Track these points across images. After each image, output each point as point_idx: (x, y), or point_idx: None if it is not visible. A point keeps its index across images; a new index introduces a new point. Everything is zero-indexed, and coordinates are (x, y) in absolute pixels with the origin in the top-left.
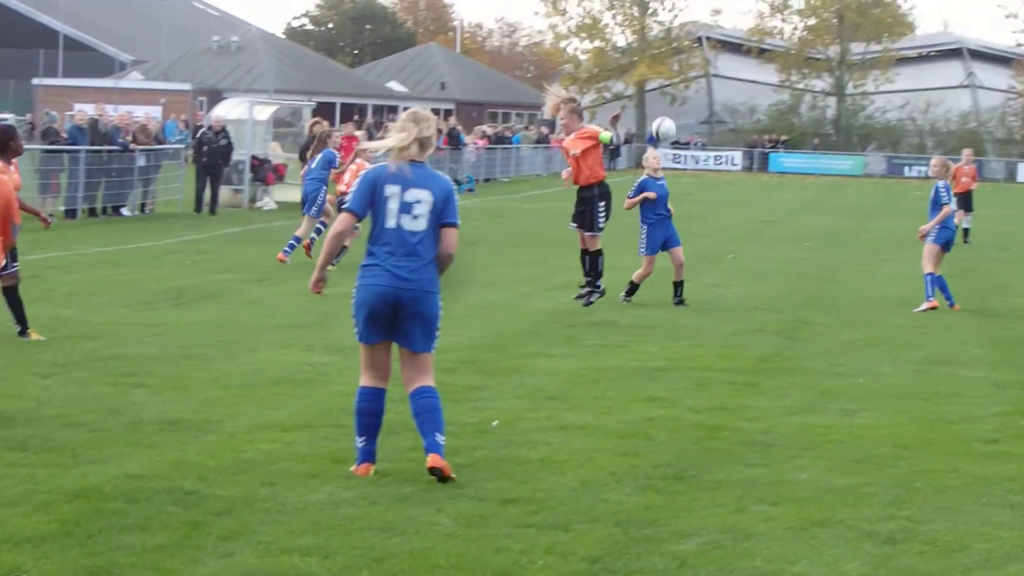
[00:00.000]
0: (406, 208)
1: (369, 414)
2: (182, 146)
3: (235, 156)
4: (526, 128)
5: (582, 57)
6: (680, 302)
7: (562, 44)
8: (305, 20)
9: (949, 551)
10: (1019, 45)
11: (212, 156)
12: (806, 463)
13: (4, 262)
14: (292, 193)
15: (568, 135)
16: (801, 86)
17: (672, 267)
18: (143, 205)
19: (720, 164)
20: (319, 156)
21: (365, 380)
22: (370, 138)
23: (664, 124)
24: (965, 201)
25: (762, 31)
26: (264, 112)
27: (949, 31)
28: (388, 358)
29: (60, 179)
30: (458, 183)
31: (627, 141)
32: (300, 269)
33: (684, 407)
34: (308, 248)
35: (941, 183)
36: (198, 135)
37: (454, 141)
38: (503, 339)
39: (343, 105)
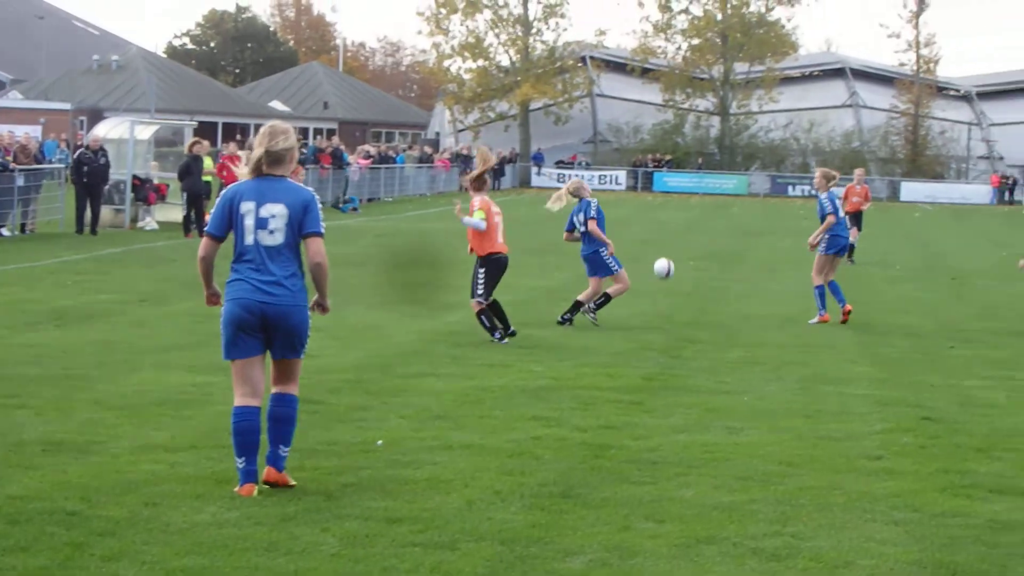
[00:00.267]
0: (262, 223)
1: (245, 433)
2: (62, 166)
3: (117, 176)
4: (409, 148)
5: (466, 76)
6: (567, 321)
7: (445, 63)
8: (186, 39)
9: (834, 567)
10: (901, 65)
11: (92, 176)
12: (692, 481)
13: None
14: (174, 213)
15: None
16: (685, 106)
17: (590, 287)
18: (23, 225)
19: (604, 183)
20: None
21: (238, 399)
22: None
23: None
24: (855, 220)
25: (646, 51)
26: (145, 132)
27: (832, 51)
28: (259, 374)
29: None
30: (345, 202)
31: (511, 160)
32: (183, 290)
33: (570, 426)
34: None
35: (824, 195)
36: (76, 155)
37: (337, 161)
38: (388, 359)
39: (225, 125)
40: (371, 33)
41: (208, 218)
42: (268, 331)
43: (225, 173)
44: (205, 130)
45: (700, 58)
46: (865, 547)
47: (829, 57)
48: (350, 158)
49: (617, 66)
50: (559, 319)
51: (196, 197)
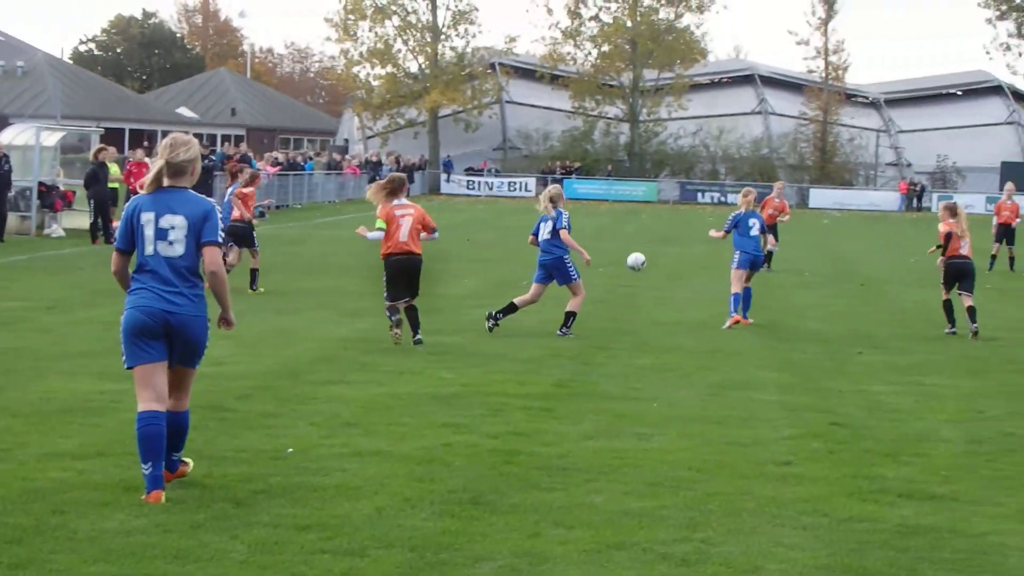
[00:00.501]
0: (161, 234)
1: (151, 438)
2: None
3: (23, 183)
4: (317, 154)
5: (374, 83)
6: (495, 321)
7: (354, 70)
8: (92, 45)
9: (743, 573)
10: (810, 72)
11: None
12: (602, 487)
13: None
14: (80, 220)
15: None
16: (595, 113)
17: (531, 292)
18: None
19: (514, 190)
20: (229, 189)
21: (143, 404)
22: None
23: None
24: (771, 230)
25: (555, 58)
26: (51, 138)
27: (741, 58)
28: (162, 380)
29: None
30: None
31: (420, 168)
32: (90, 297)
33: (480, 432)
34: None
35: (742, 212)
36: None
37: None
38: (297, 366)
39: (132, 131)
40: (279, 39)
41: (115, 225)
42: (169, 339)
43: (132, 180)
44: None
45: (610, 65)
46: (774, 552)
47: (738, 64)
48: (258, 165)
49: (526, 73)
50: (487, 318)
51: (103, 204)
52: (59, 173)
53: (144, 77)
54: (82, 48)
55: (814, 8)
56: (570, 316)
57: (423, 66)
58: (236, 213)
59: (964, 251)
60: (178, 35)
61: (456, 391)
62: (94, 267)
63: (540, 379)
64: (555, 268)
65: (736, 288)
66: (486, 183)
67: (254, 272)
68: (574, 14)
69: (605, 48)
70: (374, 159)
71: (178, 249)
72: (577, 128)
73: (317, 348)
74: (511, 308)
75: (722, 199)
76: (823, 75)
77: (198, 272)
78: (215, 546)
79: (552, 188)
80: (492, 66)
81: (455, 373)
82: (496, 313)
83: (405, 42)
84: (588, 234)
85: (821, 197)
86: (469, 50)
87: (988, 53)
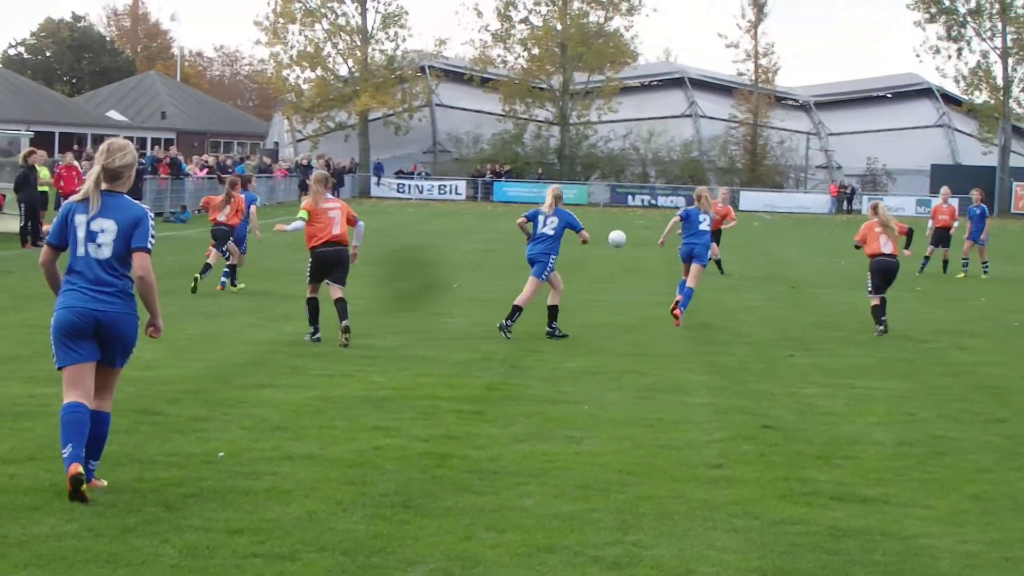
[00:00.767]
0: (91, 237)
1: (74, 424)
2: None
3: None
4: (247, 157)
5: (304, 86)
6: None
7: (284, 73)
8: (21, 48)
9: (675, 575)
10: (740, 74)
11: None
12: (533, 490)
13: None
14: (10, 224)
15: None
16: (525, 115)
17: (527, 288)
18: None
19: (444, 194)
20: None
21: (69, 398)
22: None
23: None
24: (715, 236)
25: (485, 60)
26: None
27: (671, 61)
28: (90, 380)
29: None
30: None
31: (350, 171)
32: (19, 301)
33: (411, 436)
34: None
35: (692, 208)
36: None
37: (176, 170)
38: (227, 370)
39: (62, 135)
40: (208, 42)
41: (45, 228)
42: (100, 338)
43: (62, 183)
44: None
45: (539, 68)
46: (706, 555)
47: (668, 67)
48: (188, 168)
49: (456, 76)
50: (500, 326)
51: (33, 208)
52: None
53: (74, 81)
54: (11, 52)
55: (744, 11)
56: (553, 309)
57: (353, 69)
58: (215, 215)
59: (886, 249)
60: (107, 38)
61: (387, 394)
62: (24, 271)
63: (470, 382)
64: (538, 263)
65: (684, 276)
66: (416, 186)
67: (233, 268)
68: (504, 17)
69: (535, 51)
70: (304, 162)
71: (105, 252)
72: (507, 131)
73: (247, 352)
74: (516, 310)
75: (652, 202)
76: (753, 78)
77: (128, 274)
78: (146, 550)
79: (556, 187)
80: (422, 69)
81: (385, 376)
82: (505, 322)
83: (335, 45)
84: (518, 237)
85: (751, 200)
86: (399, 53)
87: (918, 56)
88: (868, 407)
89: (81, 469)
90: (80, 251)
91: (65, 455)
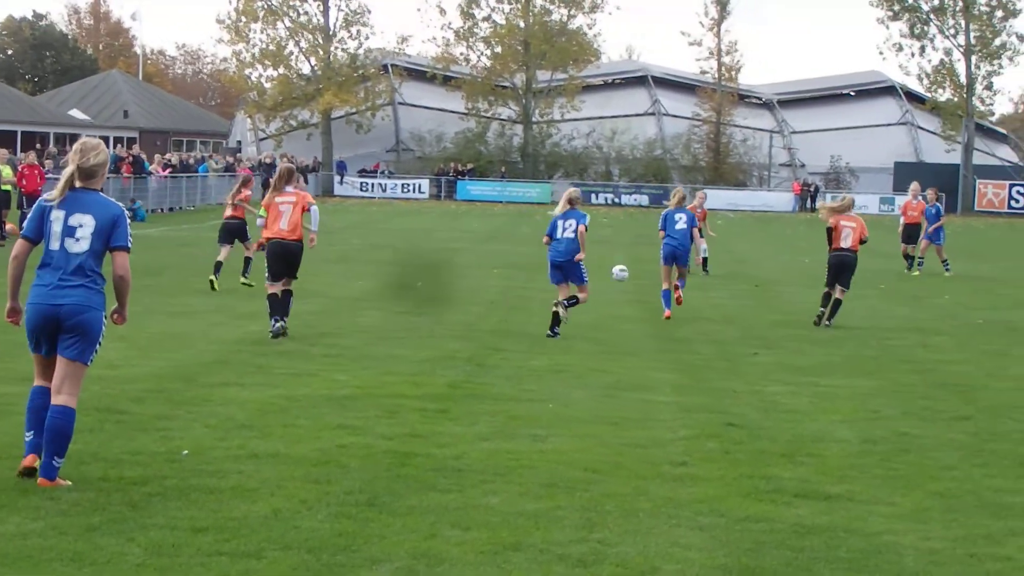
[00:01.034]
0: (69, 232)
1: (37, 410)
2: None
3: None
4: (210, 156)
5: (267, 85)
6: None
7: (246, 72)
8: None
9: (640, 573)
10: (703, 73)
11: None
12: (497, 488)
13: None
14: None
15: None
16: (488, 114)
17: (560, 294)
18: None
19: (408, 192)
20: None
21: (37, 381)
22: (56, 167)
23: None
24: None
25: (448, 59)
26: None
27: (634, 59)
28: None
29: None
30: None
31: (313, 170)
32: None
33: (375, 434)
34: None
35: (670, 209)
36: None
37: (138, 169)
38: (192, 368)
39: (24, 133)
40: (170, 40)
41: (9, 227)
42: (62, 330)
43: (24, 182)
44: (4, 139)
45: (503, 66)
46: (671, 552)
47: (631, 65)
48: (151, 167)
49: (419, 74)
50: (549, 333)
51: None
52: None
53: (37, 79)
54: None
55: (707, 9)
56: (574, 300)
57: (315, 68)
58: (229, 212)
59: (843, 244)
60: (69, 37)
61: (351, 393)
62: None
63: (434, 380)
64: (570, 269)
65: (665, 284)
66: (379, 185)
67: (247, 260)
68: (467, 15)
69: (498, 49)
70: (268, 161)
71: (83, 246)
72: (470, 129)
73: (212, 350)
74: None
75: (616, 200)
76: (716, 76)
77: (100, 272)
78: (111, 549)
79: (572, 190)
80: (385, 67)
81: (349, 375)
82: (555, 330)
83: (297, 43)
84: (482, 236)
85: (715, 198)
86: (361, 51)
87: (881, 53)
88: (832, 405)
89: (35, 464)
90: (54, 245)
91: (27, 439)
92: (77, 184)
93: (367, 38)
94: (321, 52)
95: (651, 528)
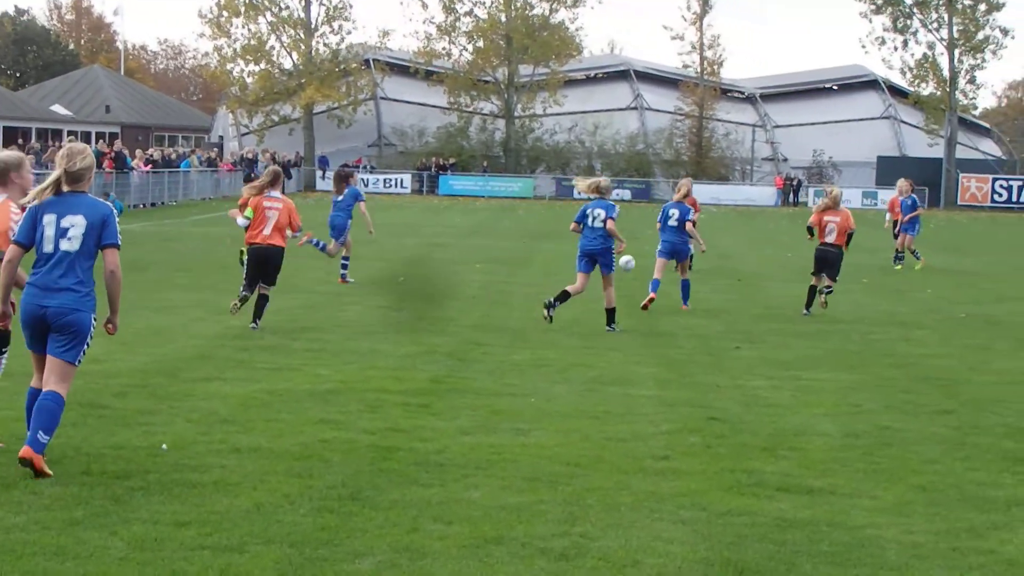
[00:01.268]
0: (62, 233)
1: (32, 410)
2: None
3: None
4: (193, 151)
5: (249, 80)
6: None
7: (228, 67)
8: None
9: (621, 566)
10: (686, 67)
11: None
12: (479, 482)
13: None
14: None
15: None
16: (470, 108)
17: (577, 282)
18: None
19: (389, 187)
20: (347, 191)
21: (34, 381)
22: (38, 163)
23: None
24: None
25: (430, 53)
26: None
27: (616, 53)
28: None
29: None
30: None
31: (295, 165)
32: None
33: (358, 429)
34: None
35: (667, 203)
36: None
37: (120, 164)
38: (174, 363)
39: (6, 128)
40: (152, 36)
41: None
42: (51, 329)
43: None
44: None
45: (485, 61)
46: (652, 546)
47: (613, 59)
48: (133, 162)
49: (401, 68)
50: (546, 312)
51: None
52: None
53: (18, 74)
54: None
55: (689, 3)
56: (611, 312)
57: (297, 62)
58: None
59: (827, 239)
60: (52, 32)
61: (333, 387)
62: None
63: (417, 375)
64: (601, 256)
65: (657, 274)
66: (362, 179)
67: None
68: (449, 9)
69: (480, 43)
70: (250, 156)
71: (75, 245)
72: (452, 124)
73: (194, 345)
74: (564, 296)
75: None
76: (698, 70)
77: (90, 274)
78: (94, 543)
79: (602, 179)
80: (367, 62)
81: (332, 369)
82: (553, 301)
83: (279, 38)
84: (464, 231)
85: (697, 192)
86: (343, 46)
87: (864, 47)
88: (814, 399)
89: (30, 455)
90: (48, 248)
91: (29, 434)
92: (64, 188)
93: (349, 33)
94: (303, 47)
95: (633, 522)
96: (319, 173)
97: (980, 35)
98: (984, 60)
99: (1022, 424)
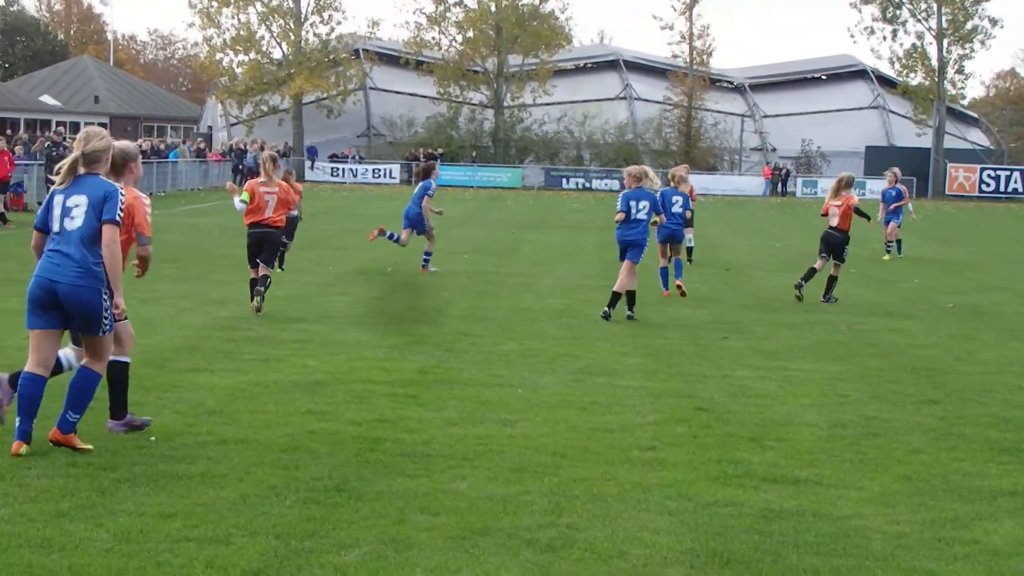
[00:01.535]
0: (67, 212)
1: (26, 397)
2: None
3: None
4: (184, 142)
5: (238, 70)
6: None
7: (217, 57)
8: None
9: (608, 557)
10: (675, 57)
11: None
12: (466, 473)
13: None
14: None
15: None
16: (459, 99)
17: (623, 273)
18: None
19: (378, 177)
20: (420, 184)
21: (28, 366)
22: (26, 154)
23: None
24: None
25: (419, 43)
26: None
27: (606, 43)
28: (50, 348)
29: None
30: None
31: (284, 155)
32: None
33: (344, 420)
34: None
35: (665, 189)
36: None
37: None
38: (162, 354)
39: None
40: (142, 26)
41: None
42: (64, 309)
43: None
44: None
45: (474, 51)
46: (639, 536)
47: (602, 49)
48: None
49: (390, 59)
50: (602, 314)
51: None
52: None
53: (7, 65)
54: None
55: None
56: (632, 295)
57: (287, 53)
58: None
59: (831, 223)
60: (41, 22)
61: (320, 378)
62: None
63: (404, 366)
64: (635, 247)
65: (662, 262)
66: (351, 170)
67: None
68: None
69: (470, 34)
70: (239, 147)
71: (77, 223)
72: (442, 114)
73: (181, 336)
74: (616, 297)
75: (587, 185)
76: (688, 60)
77: (97, 250)
78: (79, 535)
79: (647, 168)
80: (356, 52)
81: (319, 360)
82: (623, 309)
83: (268, 28)
84: (452, 221)
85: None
86: (333, 36)
87: (852, 37)
88: (801, 389)
89: (22, 449)
90: (55, 227)
91: (17, 425)
92: (81, 170)
93: (338, 23)
94: (292, 37)
95: (619, 512)
96: (308, 163)
97: (969, 25)
98: (973, 50)
99: (1007, 414)
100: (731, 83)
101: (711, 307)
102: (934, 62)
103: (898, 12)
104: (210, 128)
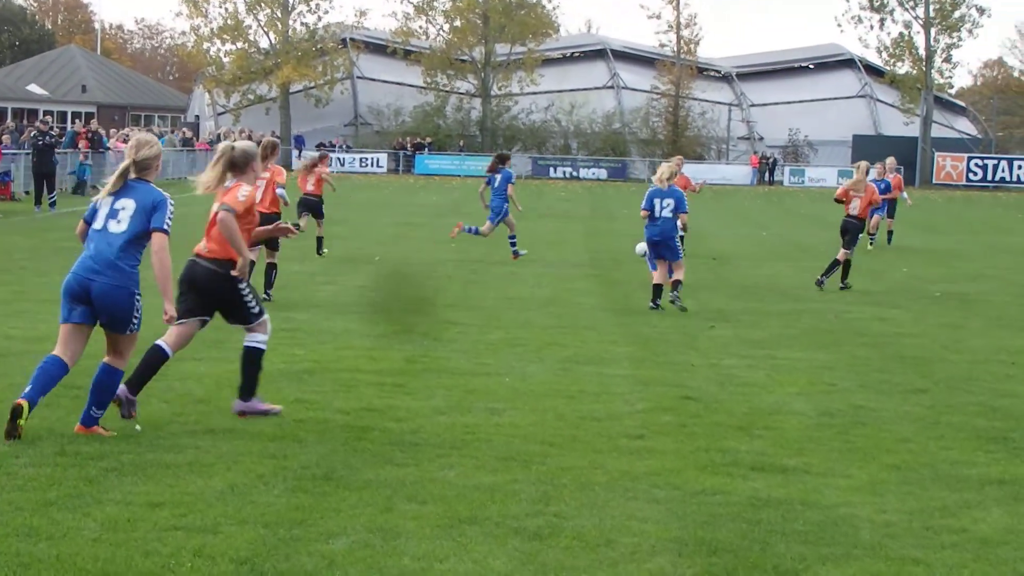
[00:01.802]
0: (113, 214)
1: (45, 373)
2: None
3: None
4: (172, 131)
5: (225, 59)
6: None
7: (204, 46)
8: None
9: (596, 545)
10: (662, 46)
11: None
12: (454, 461)
13: None
14: None
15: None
16: (446, 88)
17: (658, 272)
18: None
19: (366, 166)
20: (500, 175)
21: (56, 350)
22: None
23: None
24: None
25: (407, 33)
26: None
27: (593, 32)
28: (77, 343)
29: None
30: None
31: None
32: None
33: (332, 409)
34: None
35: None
36: None
37: (96, 144)
38: (149, 343)
39: None
40: (129, 15)
41: None
42: (95, 306)
43: None
44: None
45: (462, 40)
46: (626, 525)
47: (590, 38)
48: (110, 142)
49: (378, 48)
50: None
51: None
52: None
53: None
54: None
55: None
56: (678, 284)
57: (274, 42)
58: (310, 187)
59: (851, 211)
60: (28, 11)
61: (307, 367)
62: None
63: (391, 355)
64: (666, 246)
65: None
66: (338, 159)
67: (320, 239)
68: None
69: (457, 23)
70: (226, 136)
71: (123, 226)
72: (429, 103)
73: (167, 326)
74: (660, 290)
75: (574, 174)
76: (675, 49)
77: (135, 256)
78: (67, 524)
79: (678, 166)
80: (343, 41)
81: (306, 349)
82: (653, 303)
83: (256, 17)
84: (439, 210)
85: None
86: (320, 25)
87: (840, 26)
88: (789, 378)
89: (24, 404)
90: (98, 225)
91: (27, 389)
92: (132, 176)
93: (326, 12)
94: (280, 26)
95: (607, 501)
96: (295, 152)
97: (956, 14)
98: (960, 39)
99: (995, 403)
100: (718, 72)
101: (698, 296)
102: (921, 51)
103: (885, 1)
104: (197, 117)
